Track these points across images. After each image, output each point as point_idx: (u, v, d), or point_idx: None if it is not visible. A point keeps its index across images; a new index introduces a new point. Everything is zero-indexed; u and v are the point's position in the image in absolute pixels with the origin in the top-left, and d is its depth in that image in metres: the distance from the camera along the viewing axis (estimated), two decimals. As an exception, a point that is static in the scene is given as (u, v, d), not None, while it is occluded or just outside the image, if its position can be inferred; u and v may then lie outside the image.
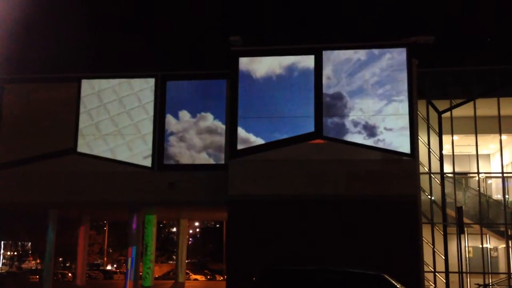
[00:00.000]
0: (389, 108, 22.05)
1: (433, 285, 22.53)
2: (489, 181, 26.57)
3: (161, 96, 24.74)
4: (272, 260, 18.81)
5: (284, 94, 22.70)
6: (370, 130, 21.93)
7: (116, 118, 24.94)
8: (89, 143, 24.88)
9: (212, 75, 24.95)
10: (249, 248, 21.27)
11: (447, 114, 23.31)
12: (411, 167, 21.42)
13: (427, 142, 23.26)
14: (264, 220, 21.52)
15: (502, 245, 25.05)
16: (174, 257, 50.59)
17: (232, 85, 23.13)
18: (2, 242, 72.59)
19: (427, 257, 22.19)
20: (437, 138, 23.30)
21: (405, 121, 21.78)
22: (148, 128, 24.60)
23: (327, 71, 22.63)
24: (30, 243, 70.05)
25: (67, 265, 64.72)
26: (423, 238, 21.87)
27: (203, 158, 24.06)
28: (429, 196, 23.16)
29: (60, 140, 24.94)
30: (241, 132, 22.58)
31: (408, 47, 22.35)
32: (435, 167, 23.17)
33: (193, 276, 51.37)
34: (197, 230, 75.89)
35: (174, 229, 63.87)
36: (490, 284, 23.28)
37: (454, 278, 22.14)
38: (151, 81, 25.05)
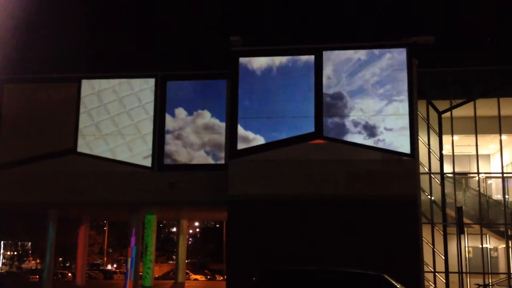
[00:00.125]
0: (389, 108, 22.05)
1: (433, 285, 22.53)
2: (489, 181, 26.57)
3: (161, 96, 24.73)
4: (272, 260, 18.82)
5: (284, 94, 22.70)
6: (370, 130, 21.93)
7: (116, 118, 24.94)
8: (89, 143, 24.87)
9: (212, 75, 24.94)
10: (249, 248, 21.27)
11: (447, 114, 23.30)
12: (411, 167, 21.42)
13: (427, 142, 23.25)
14: (264, 220, 21.52)
15: (502, 245, 25.06)
16: (174, 257, 50.60)
17: (232, 85, 23.13)
18: (2, 242, 72.66)
19: (427, 257, 22.19)
20: (437, 138, 23.29)
21: (405, 121, 21.78)
22: (148, 128, 24.59)
23: (327, 71, 22.63)
24: (30, 243, 70.09)
25: (67, 265, 64.73)
26: (423, 238, 21.87)
27: (203, 158, 24.06)
28: (429, 196, 23.16)
29: (60, 140, 24.93)
30: (241, 132, 22.58)
31: (408, 47, 22.35)
32: (435, 167, 23.16)
33: (193, 276, 51.39)
34: (197, 230, 75.91)
35: (174, 229, 63.90)
36: (490, 284, 23.28)
37: (454, 278, 22.13)
38: (151, 81, 25.05)
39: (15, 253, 76.42)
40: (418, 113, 22.54)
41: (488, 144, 25.95)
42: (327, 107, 22.31)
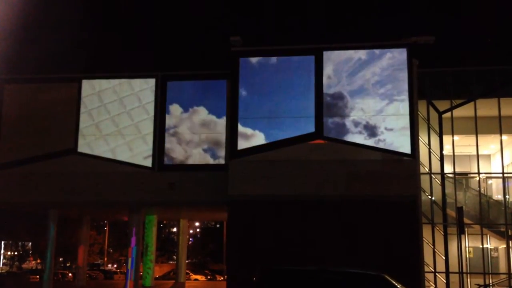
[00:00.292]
0: (390, 108, 22.04)
1: (434, 285, 22.52)
2: (490, 182, 26.56)
3: (161, 96, 24.73)
4: (272, 260, 18.80)
5: (285, 94, 22.69)
6: (371, 130, 21.92)
7: (117, 118, 24.94)
8: (90, 143, 24.87)
9: (213, 75, 24.93)
10: (249, 248, 21.26)
11: (448, 114, 23.30)
12: (411, 167, 21.42)
13: (427, 143, 23.25)
14: (264, 220, 21.51)
15: (502, 246, 25.05)
16: (175, 257, 50.64)
17: (232, 85, 23.12)
18: (3, 242, 72.64)
19: (428, 257, 22.18)
20: (437, 139, 23.29)
21: (405, 121, 21.78)
22: (148, 128, 24.59)
23: (327, 70, 22.62)
24: (30, 243, 70.07)
25: (67, 265, 64.71)
26: (424, 239, 21.86)
27: (203, 158, 24.05)
28: (430, 196, 23.15)
29: (60, 140, 24.93)
30: (241, 131, 22.57)
31: (408, 47, 22.35)
32: (436, 167, 23.15)
33: (194, 276, 51.34)
34: (197, 230, 75.89)
35: (175, 229, 63.96)
36: (491, 284, 23.27)
37: (454, 278, 22.13)
38: (151, 81, 25.04)
39: (16, 253, 76.39)
40: (419, 113, 22.53)
41: (489, 144, 25.94)
42: (327, 107, 22.31)
